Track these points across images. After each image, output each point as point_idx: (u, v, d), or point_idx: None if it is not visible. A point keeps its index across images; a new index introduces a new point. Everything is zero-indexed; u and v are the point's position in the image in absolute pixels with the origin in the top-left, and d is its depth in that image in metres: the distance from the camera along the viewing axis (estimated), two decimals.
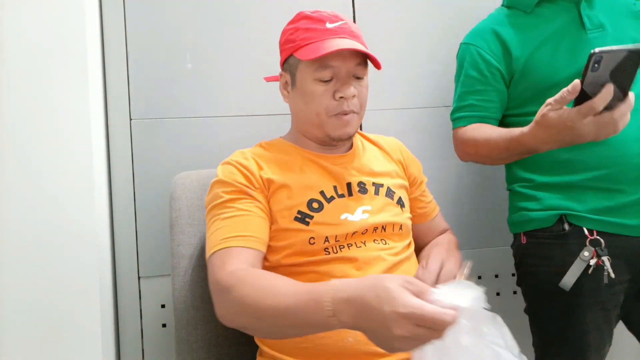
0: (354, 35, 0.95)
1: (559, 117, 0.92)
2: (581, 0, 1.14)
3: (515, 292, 1.48)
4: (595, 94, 0.88)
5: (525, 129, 1.01)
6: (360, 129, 1.38)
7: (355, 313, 0.68)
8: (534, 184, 1.16)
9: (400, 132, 1.28)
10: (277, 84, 1.05)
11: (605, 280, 1.05)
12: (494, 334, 0.75)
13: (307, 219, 0.94)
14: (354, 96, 0.95)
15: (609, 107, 0.90)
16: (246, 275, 0.82)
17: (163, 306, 1.32)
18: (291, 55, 0.97)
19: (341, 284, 0.72)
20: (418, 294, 0.66)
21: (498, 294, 1.49)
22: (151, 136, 1.31)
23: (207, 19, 1.34)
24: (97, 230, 1.11)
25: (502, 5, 1.25)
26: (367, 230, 0.96)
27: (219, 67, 1.35)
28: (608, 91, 0.87)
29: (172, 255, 1.08)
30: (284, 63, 1.01)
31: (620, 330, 1.18)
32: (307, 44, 0.93)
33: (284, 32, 1.01)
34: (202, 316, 1.05)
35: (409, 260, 1.00)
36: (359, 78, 0.96)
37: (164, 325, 1.32)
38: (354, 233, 0.95)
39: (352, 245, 0.94)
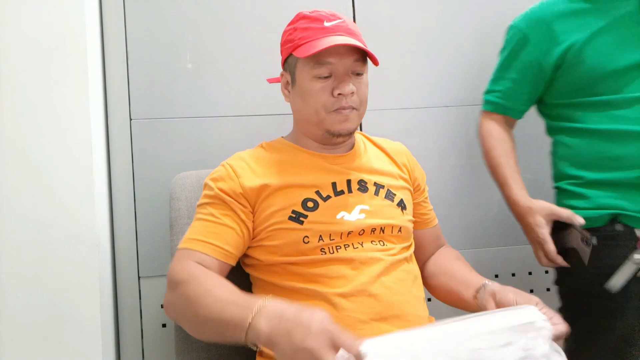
0: (350, 33, 0.95)
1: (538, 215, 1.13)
2: None
3: None
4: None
5: (524, 192, 1.17)
6: (360, 129, 1.38)
7: (279, 317, 0.71)
8: (583, 182, 1.12)
9: (400, 132, 1.28)
10: (276, 84, 1.06)
11: None
12: None
13: (301, 218, 0.94)
14: (352, 93, 0.95)
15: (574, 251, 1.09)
16: (191, 278, 0.86)
17: (163, 306, 1.32)
18: (290, 54, 0.98)
19: (279, 301, 0.75)
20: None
21: None
22: (151, 136, 1.31)
23: (207, 19, 1.34)
24: (97, 230, 1.11)
25: None
26: (364, 231, 0.96)
27: (219, 67, 1.35)
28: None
29: (172, 255, 1.08)
30: (285, 63, 1.01)
31: None
32: (305, 42, 0.94)
33: (283, 33, 1.01)
34: None
35: (408, 261, 1.00)
36: (358, 75, 0.96)
37: (164, 325, 1.32)
38: (349, 233, 0.94)
39: (348, 246, 0.94)
